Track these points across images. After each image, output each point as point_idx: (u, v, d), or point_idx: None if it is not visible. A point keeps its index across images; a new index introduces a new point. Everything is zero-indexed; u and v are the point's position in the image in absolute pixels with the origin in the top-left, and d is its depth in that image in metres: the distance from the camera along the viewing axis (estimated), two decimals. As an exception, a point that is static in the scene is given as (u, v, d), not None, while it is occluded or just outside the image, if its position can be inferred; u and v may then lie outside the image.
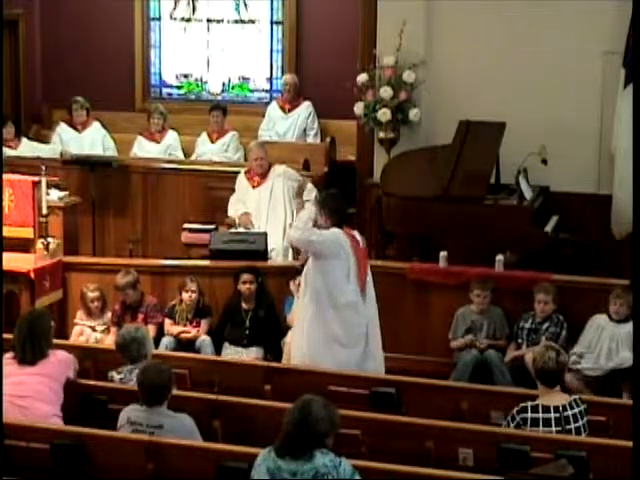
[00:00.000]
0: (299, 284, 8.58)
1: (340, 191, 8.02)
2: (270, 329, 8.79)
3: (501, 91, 10.10)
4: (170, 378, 6.14)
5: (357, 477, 5.28)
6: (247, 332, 8.79)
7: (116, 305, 8.94)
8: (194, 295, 8.82)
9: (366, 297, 7.68)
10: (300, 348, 7.71)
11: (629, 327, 8.11)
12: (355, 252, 7.63)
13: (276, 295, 8.95)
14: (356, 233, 7.78)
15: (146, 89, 12.98)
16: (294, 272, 8.63)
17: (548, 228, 9.54)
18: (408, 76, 10.19)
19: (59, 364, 6.63)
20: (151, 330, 8.40)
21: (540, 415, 6.25)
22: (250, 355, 8.67)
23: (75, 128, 11.90)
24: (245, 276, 8.79)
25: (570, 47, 9.91)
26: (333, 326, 7.58)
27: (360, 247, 7.72)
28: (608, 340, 8.18)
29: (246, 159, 11.11)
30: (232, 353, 8.71)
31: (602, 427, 6.51)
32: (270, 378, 7.20)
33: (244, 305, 8.85)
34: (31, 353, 6.54)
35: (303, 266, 7.90)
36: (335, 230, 7.61)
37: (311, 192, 9.93)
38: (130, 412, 6.13)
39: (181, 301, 8.84)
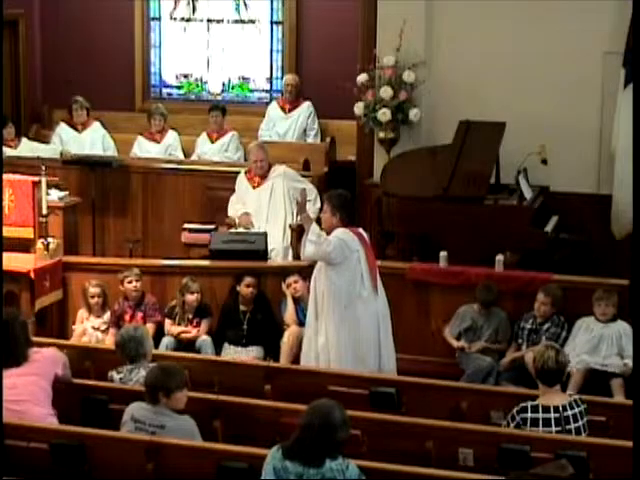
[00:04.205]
0: (289, 285, 8.62)
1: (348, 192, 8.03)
2: (268, 330, 8.80)
3: (501, 91, 10.10)
4: (170, 377, 6.11)
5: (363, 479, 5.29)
6: (245, 333, 8.80)
7: (116, 306, 8.95)
8: (199, 295, 8.83)
9: (378, 294, 7.71)
10: (325, 350, 7.68)
11: (617, 327, 8.14)
12: (365, 249, 7.66)
13: (276, 295, 8.95)
14: (362, 231, 7.81)
15: (146, 89, 12.99)
16: (287, 272, 8.76)
17: (548, 228, 9.54)
18: (408, 76, 10.19)
19: (46, 361, 6.56)
20: (150, 329, 8.40)
21: (540, 415, 6.25)
22: (250, 354, 8.68)
23: (75, 128, 11.90)
24: (249, 279, 8.78)
25: (570, 47, 9.92)
26: (353, 322, 7.60)
27: (368, 245, 7.75)
28: (597, 340, 8.17)
29: (246, 159, 11.10)
30: (232, 353, 8.72)
31: (602, 427, 6.51)
32: (270, 378, 7.19)
33: (242, 307, 8.85)
34: (12, 358, 6.46)
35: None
36: (342, 232, 7.59)
37: (311, 192, 9.95)
38: (135, 409, 6.13)
39: (183, 302, 8.83)
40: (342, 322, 7.60)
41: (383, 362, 7.71)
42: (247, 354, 8.69)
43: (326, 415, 5.19)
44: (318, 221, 7.95)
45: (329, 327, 7.63)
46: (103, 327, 8.90)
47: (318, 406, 5.27)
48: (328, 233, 7.67)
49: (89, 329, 8.88)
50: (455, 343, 8.55)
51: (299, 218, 7.95)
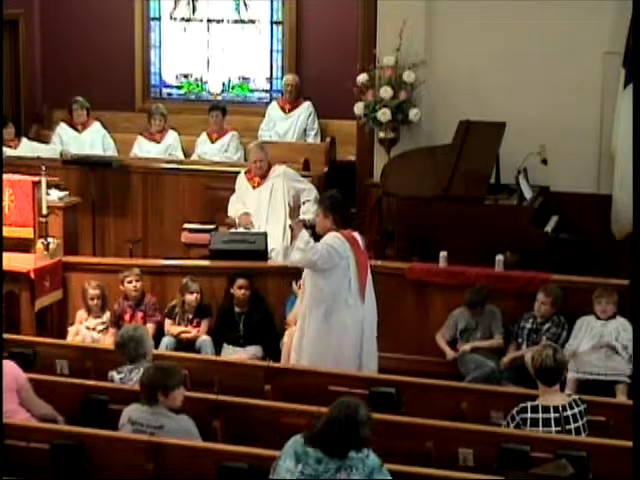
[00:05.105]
0: (300, 286, 8.59)
1: (341, 192, 8.00)
2: (266, 330, 8.79)
3: (501, 91, 10.09)
4: (167, 375, 6.10)
5: (384, 470, 5.27)
6: (242, 333, 8.80)
7: (115, 306, 8.95)
8: (198, 295, 8.83)
9: (365, 299, 7.66)
10: (304, 350, 7.67)
11: (615, 324, 8.16)
12: (356, 254, 7.60)
13: (276, 296, 8.94)
14: (357, 234, 7.76)
15: (146, 89, 12.98)
16: (297, 273, 8.66)
17: (548, 228, 9.54)
18: (408, 76, 10.19)
19: (5, 372, 6.49)
20: (150, 329, 8.40)
21: (540, 415, 6.25)
22: (249, 353, 8.68)
23: (75, 128, 11.91)
24: (241, 281, 8.78)
25: (570, 47, 9.91)
26: (336, 327, 7.56)
27: (361, 249, 7.70)
28: (597, 338, 8.18)
29: (246, 159, 11.11)
30: (231, 352, 8.72)
31: (602, 427, 6.51)
32: (270, 378, 7.19)
33: (237, 309, 8.85)
34: None
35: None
36: (332, 238, 7.54)
37: (311, 192, 9.94)
38: (132, 412, 6.12)
39: (183, 302, 8.84)
40: (321, 327, 7.57)
41: (362, 365, 7.65)
42: (246, 353, 8.69)
43: (352, 411, 5.21)
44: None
45: (310, 329, 7.63)
46: (100, 327, 8.89)
47: (345, 402, 5.30)
48: (323, 236, 7.65)
49: (83, 329, 8.87)
50: (448, 352, 8.55)
51: (291, 223, 7.91)
